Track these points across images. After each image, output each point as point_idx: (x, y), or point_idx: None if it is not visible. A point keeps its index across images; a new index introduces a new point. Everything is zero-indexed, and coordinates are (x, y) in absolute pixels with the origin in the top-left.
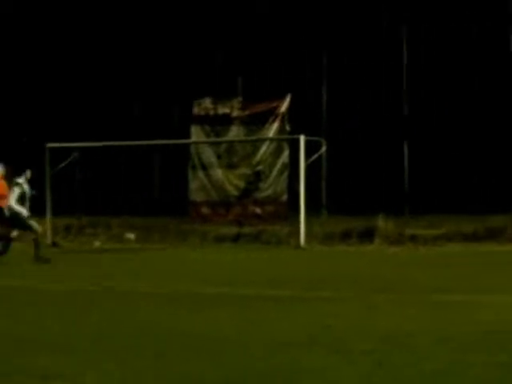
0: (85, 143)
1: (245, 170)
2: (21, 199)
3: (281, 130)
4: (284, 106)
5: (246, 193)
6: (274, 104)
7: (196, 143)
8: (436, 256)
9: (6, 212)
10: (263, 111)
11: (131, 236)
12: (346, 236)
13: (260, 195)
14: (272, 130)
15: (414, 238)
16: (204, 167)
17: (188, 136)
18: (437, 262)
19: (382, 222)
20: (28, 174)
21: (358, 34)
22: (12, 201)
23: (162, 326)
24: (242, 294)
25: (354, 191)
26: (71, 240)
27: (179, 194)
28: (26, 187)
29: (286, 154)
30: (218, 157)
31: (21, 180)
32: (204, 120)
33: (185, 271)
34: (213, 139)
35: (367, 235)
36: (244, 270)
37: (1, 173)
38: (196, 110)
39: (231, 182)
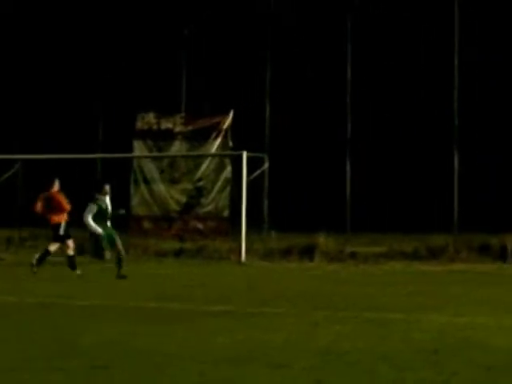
0: (27, 155)
1: (187, 185)
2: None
3: (223, 146)
4: (227, 122)
5: (188, 208)
6: (217, 119)
7: (139, 157)
8: (376, 274)
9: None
10: (206, 127)
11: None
12: (286, 253)
13: (202, 211)
14: (215, 145)
15: (354, 256)
16: (146, 182)
17: (130, 150)
18: (377, 280)
19: (322, 239)
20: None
21: (302, 49)
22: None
23: (99, 340)
24: (182, 308)
25: (296, 208)
26: (13, 252)
27: (121, 208)
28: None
29: (228, 169)
30: (161, 172)
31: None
32: (147, 134)
33: (125, 285)
34: (155, 154)
35: (308, 252)
36: (185, 285)
37: (57, 187)
38: (139, 125)
39: (173, 196)
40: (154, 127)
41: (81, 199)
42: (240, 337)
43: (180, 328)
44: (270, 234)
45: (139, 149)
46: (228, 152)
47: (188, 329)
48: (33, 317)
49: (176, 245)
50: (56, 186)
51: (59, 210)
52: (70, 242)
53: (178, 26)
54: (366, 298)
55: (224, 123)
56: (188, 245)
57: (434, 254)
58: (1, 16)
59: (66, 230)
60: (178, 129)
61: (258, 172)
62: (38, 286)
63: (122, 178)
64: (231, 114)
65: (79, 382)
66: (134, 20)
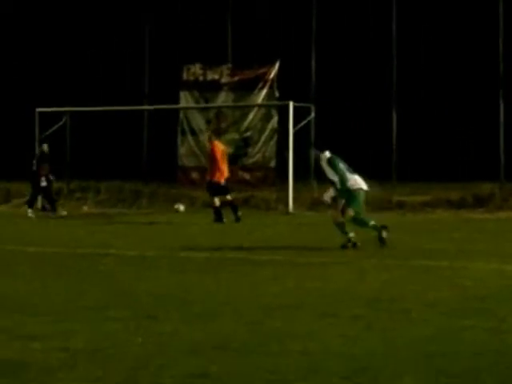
0: (74, 108)
1: (233, 136)
2: None
3: (270, 96)
4: (273, 72)
5: (235, 158)
6: (263, 70)
7: (185, 109)
8: (423, 222)
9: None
10: (252, 77)
11: (181, 207)
12: (333, 202)
13: (248, 161)
14: (261, 96)
15: (401, 205)
16: (193, 132)
17: (177, 101)
18: (424, 228)
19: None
20: None
21: (346, 1)
22: None
23: (147, 289)
24: (230, 258)
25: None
26: (61, 204)
27: (168, 159)
28: None
29: (274, 119)
30: (207, 122)
31: None
32: (193, 85)
33: (173, 236)
34: (202, 105)
35: None
36: (232, 234)
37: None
38: (185, 76)
39: None
40: (200, 78)
41: (125, 150)
42: (289, 285)
43: (230, 277)
44: (314, 184)
45: (186, 100)
46: (274, 102)
47: (237, 278)
48: (85, 267)
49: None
50: None
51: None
52: None
53: None
54: (413, 246)
55: (270, 73)
56: (235, 195)
57: (480, 202)
58: None
59: None
60: (224, 80)
61: (305, 122)
62: (89, 236)
63: (168, 129)
64: (277, 65)
65: (132, 332)
66: None
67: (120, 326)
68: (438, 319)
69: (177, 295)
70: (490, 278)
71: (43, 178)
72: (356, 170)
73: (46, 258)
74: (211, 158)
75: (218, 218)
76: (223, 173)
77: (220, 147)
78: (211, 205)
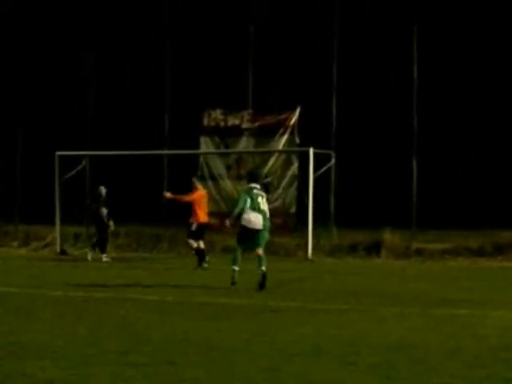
0: (94, 152)
1: None
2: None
3: (290, 142)
4: (294, 119)
5: None
6: (284, 116)
7: (205, 154)
8: (442, 270)
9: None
10: (273, 123)
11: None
12: (353, 249)
13: (269, 206)
14: (281, 142)
15: (420, 252)
16: (213, 178)
17: (197, 147)
18: (443, 276)
19: (388, 236)
20: None
21: (369, 47)
22: None
23: (167, 335)
24: (249, 304)
25: (362, 204)
26: (80, 248)
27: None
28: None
29: (295, 166)
30: (228, 168)
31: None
32: (214, 131)
33: (192, 281)
34: (222, 150)
35: (374, 248)
36: (252, 280)
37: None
38: (206, 121)
39: None
40: (221, 124)
41: (144, 194)
42: (308, 332)
43: (248, 323)
44: (333, 230)
45: (206, 145)
46: (295, 148)
47: (256, 324)
48: (105, 311)
49: None
50: None
51: None
52: None
53: (244, 23)
54: (433, 294)
55: (291, 120)
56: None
57: (500, 250)
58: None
59: None
60: (245, 125)
61: (325, 168)
62: (109, 281)
63: (188, 174)
64: (298, 111)
65: (150, 377)
66: (202, 17)
67: (140, 371)
68: (459, 368)
69: (196, 341)
70: (510, 327)
71: (112, 223)
72: (375, 216)
73: (66, 302)
74: (194, 201)
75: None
76: (202, 217)
77: (202, 192)
78: (193, 248)
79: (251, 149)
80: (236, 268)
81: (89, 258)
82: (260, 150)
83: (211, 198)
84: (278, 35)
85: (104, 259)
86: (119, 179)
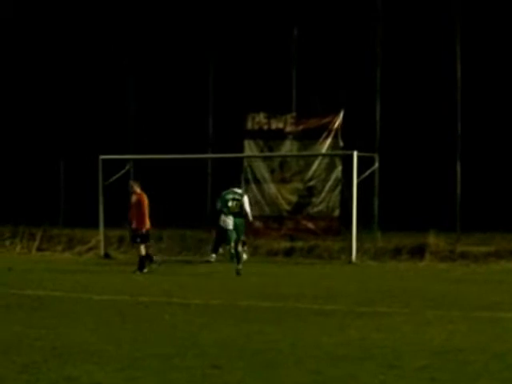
0: (137, 155)
1: (297, 185)
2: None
3: (334, 146)
4: (337, 122)
5: (299, 208)
6: (328, 119)
7: (249, 157)
8: (486, 273)
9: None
10: (316, 126)
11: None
12: (397, 252)
13: (312, 210)
14: (325, 145)
15: (464, 255)
16: (257, 181)
17: (241, 150)
18: (487, 279)
19: (432, 239)
20: None
21: (412, 50)
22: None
23: (211, 338)
24: (294, 307)
25: (406, 207)
26: (124, 252)
27: None
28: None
29: (338, 169)
30: (272, 171)
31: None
32: (257, 134)
33: (237, 284)
34: (266, 153)
35: (418, 251)
36: (296, 284)
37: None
38: (250, 124)
39: (284, 196)
40: (265, 127)
41: (189, 198)
42: (353, 336)
43: (293, 327)
44: (377, 233)
45: (250, 149)
46: (338, 152)
47: (301, 327)
48: (150, 315)
49: (287, 244)
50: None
51: None
52: None
53: (287, 26)
54: (477, 297)
55: (334, 123)
56: (299, 244)
57: None
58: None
59: None
60: (288, 128)
61: (369, 172)
62: (152, 285)
63: (232, 177)
64: (342, 114)
65: (195, 380)
66: (246, 20)
67: (185, 375)
68: (503, 371)
69: (241, 344)
70: None
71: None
72: (419, 219)
73: (111, 307)
74: (139, 207)
75: (142, 266)
76: (148, 222)
77: (146, 197)
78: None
79: (295, 152)
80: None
81: (211, 259)
82: (304, 153)
83: (255, 202)
84: (322, 38)
85: (211, 259)
86: (163, 183)
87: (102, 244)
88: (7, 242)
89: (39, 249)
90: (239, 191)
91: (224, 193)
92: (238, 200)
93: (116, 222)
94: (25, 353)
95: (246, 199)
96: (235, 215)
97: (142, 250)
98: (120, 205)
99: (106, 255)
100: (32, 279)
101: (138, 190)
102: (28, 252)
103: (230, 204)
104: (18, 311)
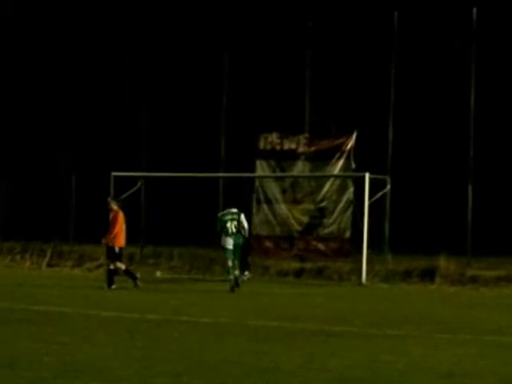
0: (150, 173)
1: (309, 206)
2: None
3: (346, 167)
4: (350, 143)
5: (310, 228)
6: (340, 141)
7: (261, 177)
8: (496, 297)
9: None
10: (329, 148)
11: (158, 273)
12: (407, 275)
13: (323, 231)
14: (337, 166)
15: (475, 279)
16: (268, 201)
17: (253, 169)
18: (497, 303)
19: (443, 262)
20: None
21: (426, 73)
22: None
23: (219, 357)
24: (303, 328)
25: (417, 230)
26: (133, 269)
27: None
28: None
29: (350, 191)
30: (283, 192)
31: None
32: (270, 154)
33: (247, 304)
34: (278, 174)
35: (428, 274)
36: (306, 304)
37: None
38: (262, 144)
39: (295, 216)
40: (277, 147)
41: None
42: (361, 358)
43: (302, 347)
44: (388, 256)
45: (262, 168)
46: (350, 173)
47: (310, 348)
48: (159, 333)
49: (297, 265)
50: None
51: None
52: None
53: (301, 47)
54: (487, 321)
55: (347, 144)
56: (309, 265)
57: None
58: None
59: None
60: (301, 149)
61: (380, 194)
62: (162, 302)
63: (244, 197)
64: (354, 136)
65: None
66: (259, 41)
67: None
68: None
69: (249, 363)
70: None
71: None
72: (430, 242)
73: (120, 323)
74: (114, 224)
75: (111, 282)
76: (123, 240)
77: (122, 214)
78: (112, 269)
79: (307, 173)
80: (231, 277)
81: (244, 277)
82: (315, 174)
83: (266, 222)
84: (335, 59)
85: (244, 277)
86: (174, 201)
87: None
88: (17, 257)
89: (49, 264)
90: (235, 210)
91: (220, 214)
92: (235, 220)
93: (128, 239)
94: (33, 368)
95: (242, 217)
96: (234, 234)
97: (115, 265)
98: (131, 222)
99: (116, 272)
100: (42, 294)
101: (114, 207)
102: (38, 267)
103: (228, 225)
104: (28, 326)
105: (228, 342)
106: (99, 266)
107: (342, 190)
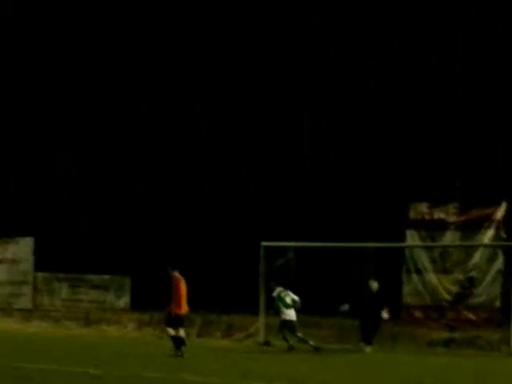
0: (300, 243)
1: (458, 276)
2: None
3: (496, 237)
4: (499, 213)
5: (460, 298)
6: (490, 210)
7: (411, 247)
8: None
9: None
10: (479, 217)
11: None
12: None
13: (473, 301)
14: (487, 236)
15: None
16: (418, 271)
17: (402, 239)
18: None
19: None
20: None
21: None
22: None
23: None
24: None
25: None
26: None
27: (392, 296)
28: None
29: (500, 260)
30: (433, 261)
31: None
32: (419, 224)
33: (393, 374)
34: (428, 243)
35: None
36: (456, 375)
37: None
38: (412, 214)
39: (445, 286)
40: (427, 217)
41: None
42: None
43: None
44: None
45: (412, 238)
46: (499, 243)
47: None
48: None
49: (446, 334)
50: None
51: None
52: None
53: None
54: None
55: (497, 214)
56: (458, 335)
57: None
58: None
59: None
60: (451, 219)
61: None
62: (311, 372)
63: (393, 267)
64: (504, 205)
65: None
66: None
67: None
68: None
69: None
70: None
71: (385, 310)
72: None
73: None
74: (176, 290)
75: (178, 345)
76: (184, 307)
77: (183, 281)
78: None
79: (456, 242)
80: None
81: (367, 350)
82: (465, 243)
83: (416, 291)
84: (485, 131)
85: (367, 350)
86: (323, 272)
87: (261, 331)
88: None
89: (198, 335)
90: (281, 288)
91: (276, 294)
92: (289, 295)
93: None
94: None
95: (290, 292)
96: (291, 307)
97: (174, 331)
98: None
99: (266, 343)
100: (190, 364)
101: (175, 273)
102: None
103: (287, 300)
104: None
105: None
106: (248, 336)
107: (491, 259)
